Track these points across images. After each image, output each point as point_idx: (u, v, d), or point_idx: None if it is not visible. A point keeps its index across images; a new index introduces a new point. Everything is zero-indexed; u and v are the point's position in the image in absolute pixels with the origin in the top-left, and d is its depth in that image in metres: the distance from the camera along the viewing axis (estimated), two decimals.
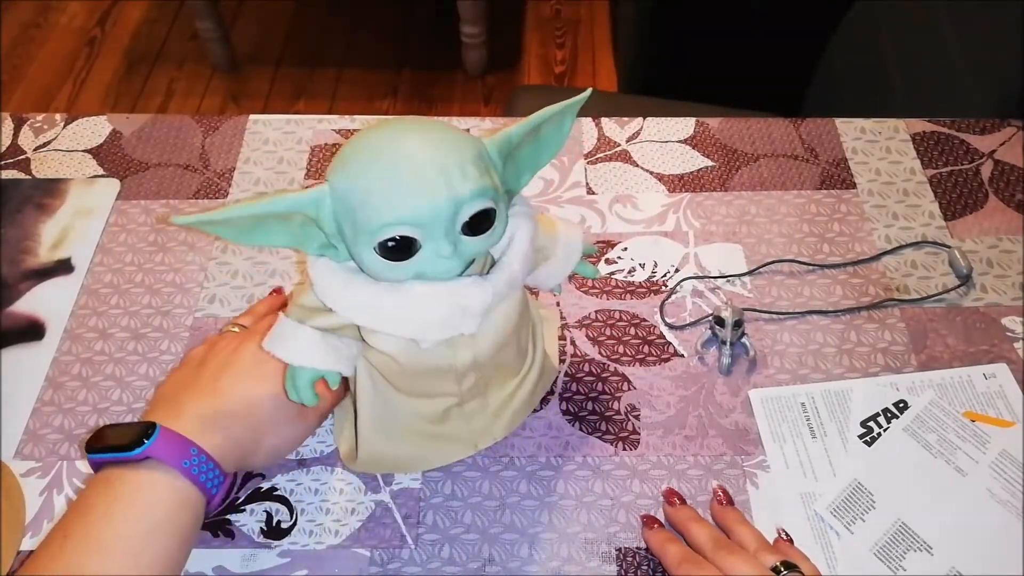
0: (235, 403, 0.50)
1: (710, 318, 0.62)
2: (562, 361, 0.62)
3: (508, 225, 0.47)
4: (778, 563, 0.47)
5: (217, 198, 0.74)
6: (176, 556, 0.46)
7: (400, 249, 0.42)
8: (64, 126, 0.80)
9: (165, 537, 0.45)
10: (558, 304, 0.65)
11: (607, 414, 0.59)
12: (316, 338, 0.48)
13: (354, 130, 0.79)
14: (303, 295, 0.48)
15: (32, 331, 0.65)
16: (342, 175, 0.43)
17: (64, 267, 0.69)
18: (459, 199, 0.41)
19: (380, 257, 0.42)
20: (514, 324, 0.51)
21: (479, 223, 0.43)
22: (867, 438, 0.57)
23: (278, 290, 0.65)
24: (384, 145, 0.42)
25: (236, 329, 0.57)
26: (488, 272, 0.47)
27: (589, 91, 0.46)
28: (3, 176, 0.76)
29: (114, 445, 0.47)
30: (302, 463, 0.58)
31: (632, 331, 0.64)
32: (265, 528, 0.55)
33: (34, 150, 0.78)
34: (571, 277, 0.67)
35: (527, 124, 0.45)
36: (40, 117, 0.81)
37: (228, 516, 0.55)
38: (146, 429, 0.47)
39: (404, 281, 0.44)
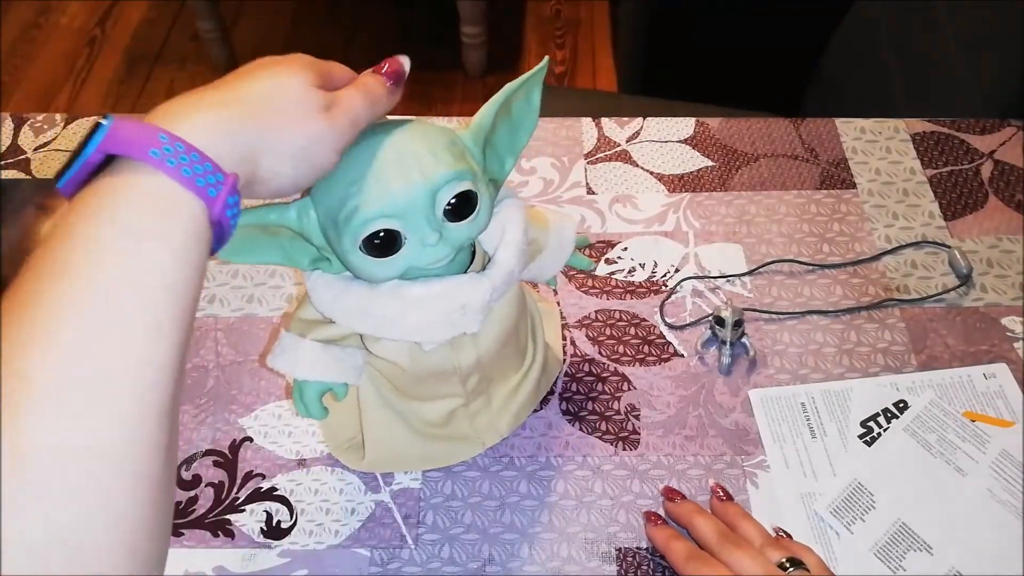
0: (240, 90, 0.38)
1: (710, 318, 0.62)
2: (563, 361, 0.62)
3: (498, 217, 0.47)
4: (784, 559, 0.47)
5: None
6: (174, 275, 0.33)
7: (385, 244, 0.42)
8: (64, 126, 0.80)
9: (153, 247, 0.33)
10: (558, 304, 0.65)
11: (607, 414, 0.59)
12: (319, 350, 0.48)
13: None
14: (301, 308, 0.48)
15: None
16: (318, 183, 0.43)
17: None
18: (434, 184, 0.41)
19: (367, 255, 0.42)
20: (514, 320, 0.51)
21: (461, 207, 0.43)
22: (867, 438, 0.57)
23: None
24: (355, 147, 0.42)
25: None
26: (484, 268, 0.47)
27: (546, 60, 0.46)
28: (3, 176, 0.76)
29: (70, 158, 0.35)
30: (302, 463, 0.58)
31: (632, 331, 0.64)
32: (265, 528, 0.55)
33: (34, 150, 0.78)
34: (570, 277, 0.67)
35: (494, 103, 0.45)
36: (40, 117, 0.80)
37: (228, 516, 0.55)
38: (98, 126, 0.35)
39: (398, 281, 0.44)
